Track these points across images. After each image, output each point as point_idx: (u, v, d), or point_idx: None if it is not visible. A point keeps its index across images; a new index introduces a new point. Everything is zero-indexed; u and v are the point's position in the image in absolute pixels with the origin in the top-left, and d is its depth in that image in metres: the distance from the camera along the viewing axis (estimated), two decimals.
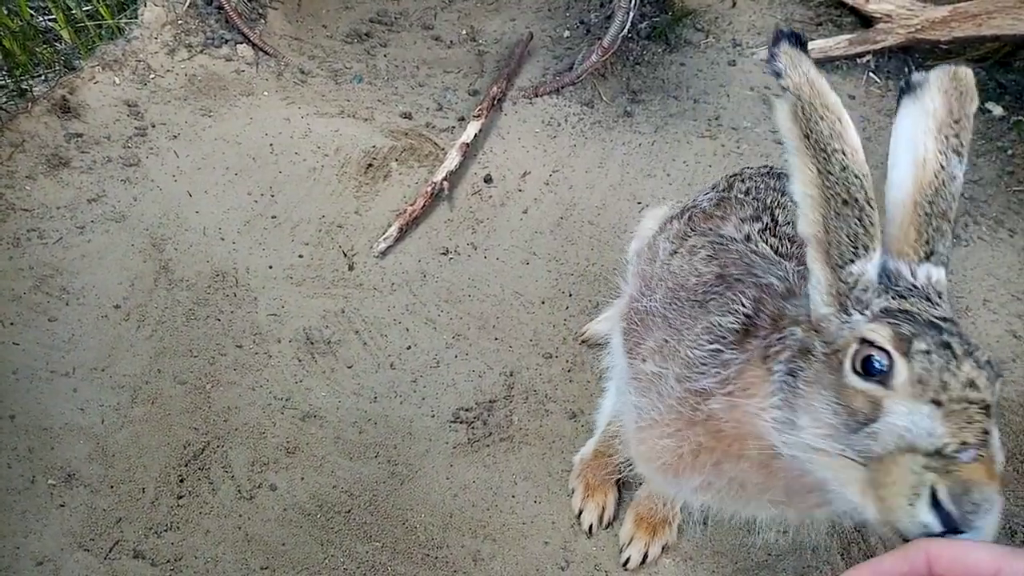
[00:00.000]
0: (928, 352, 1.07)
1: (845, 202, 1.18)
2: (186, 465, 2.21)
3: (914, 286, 1.19)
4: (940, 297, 1.20)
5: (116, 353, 2.43)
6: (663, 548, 2.10)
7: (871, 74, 3.54)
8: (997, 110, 3.41)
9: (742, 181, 1.93)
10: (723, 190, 1.93)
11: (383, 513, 2.16)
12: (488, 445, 2.30)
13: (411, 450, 2.29)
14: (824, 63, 3.55)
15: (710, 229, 1.78)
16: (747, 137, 3.23)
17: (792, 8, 3.85)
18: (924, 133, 1.24)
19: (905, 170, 1.24)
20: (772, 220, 1.72)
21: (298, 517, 2.14)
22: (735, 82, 3.46)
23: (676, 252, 1.81)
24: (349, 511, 2.16)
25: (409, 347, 2.51)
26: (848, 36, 3.59)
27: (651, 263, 1.89)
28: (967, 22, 3.43)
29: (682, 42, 3.59)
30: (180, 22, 3.39)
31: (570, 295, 2.66)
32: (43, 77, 3.19)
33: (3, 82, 3.12)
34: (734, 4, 3.82)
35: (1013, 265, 2.83)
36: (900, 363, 1.08)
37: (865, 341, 1.12)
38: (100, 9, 3.35)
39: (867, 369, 1.11)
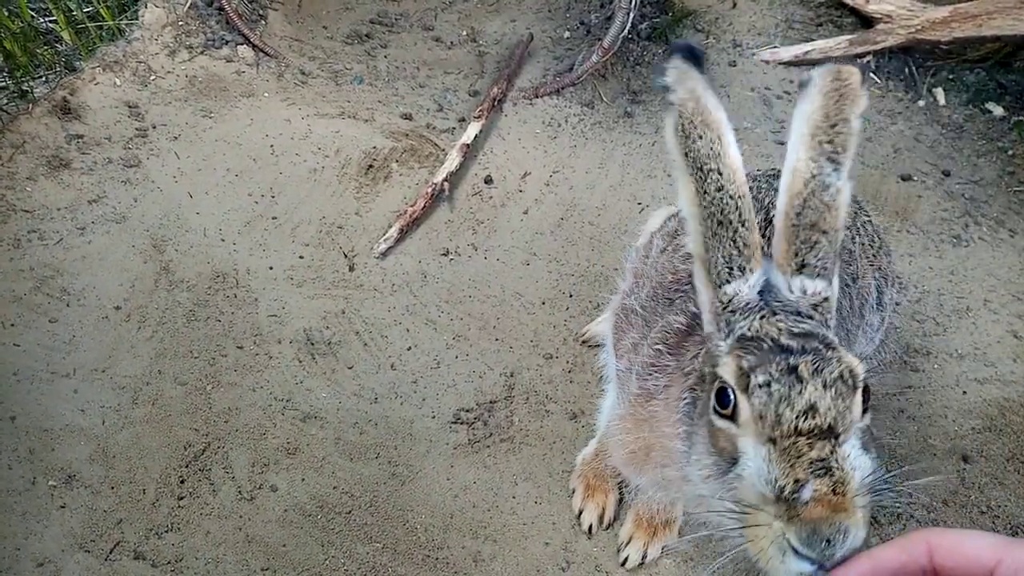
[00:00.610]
0: (767, 384, 1.05)
1: (720, 223, 1.17)
2: (187, 466, 2.21)
3: (788, 300, 1.17)
4: (816, 309, 1.17)
5: (117, 354, 2.43)
6: (662, 549, 2.10)
7: (871, 75, 3.54)
8: (998, 110, 3.41)
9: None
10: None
11: (384, 514, 2.16)
12: (489, 446, 2.30)
13: (412, 451, 2.29)
14: (824, 64, 3.54)
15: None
16: (747, 138, 3.23)
17: (792, 8, 3.84)
18: (798, 139, 1.21)
19: (783, 178, 1.21)
20: (766, 220, 1.72)
21: (299, 518, 2.14)
22: (735, 83, 3.46)
23: (664, 250, 1.81)
24: (350, 512, 2.16)
25: (410, 348, 2.51)
26: (848, 36, 3.59)
27: (644, 260, 1.90)
28: (967, 22, 3.42)
29: None
30: (181, 23, 3.39)
31: (571, 296, 2.66)
32: (44, 78, 3.19)
33: (4, 83, 3.13)
34: (734, 5, 3.82)
35: (1014, 265, 2.83)
36: (741, 400, 1.08)
37: (717, 375, 1.12)
38: (101, 10, 3.35)
39: (723, 403, 1.11)
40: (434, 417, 2.36)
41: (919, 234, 2.92)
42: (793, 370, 1.06)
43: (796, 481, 0.99)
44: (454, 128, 3.17)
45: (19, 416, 2.27)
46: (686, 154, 1.18)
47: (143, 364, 2.41)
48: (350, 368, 2.46)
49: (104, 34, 3.36)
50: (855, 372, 1.08)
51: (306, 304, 2.60)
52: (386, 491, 2.20)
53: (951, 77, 3.53)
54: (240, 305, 2.57)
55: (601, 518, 2.15)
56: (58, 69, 3.22)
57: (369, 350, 2.50)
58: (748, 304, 1.17)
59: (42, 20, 3.38)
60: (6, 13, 3.23)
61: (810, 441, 1.01)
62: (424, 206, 2.83)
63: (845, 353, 1.10)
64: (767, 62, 3.56)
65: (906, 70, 3.54)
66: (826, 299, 1.19)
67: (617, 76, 3.43)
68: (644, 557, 2.08)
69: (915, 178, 3.12)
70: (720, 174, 1.18)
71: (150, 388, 2.36)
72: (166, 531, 2.10)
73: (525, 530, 2.15)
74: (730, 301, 1.17)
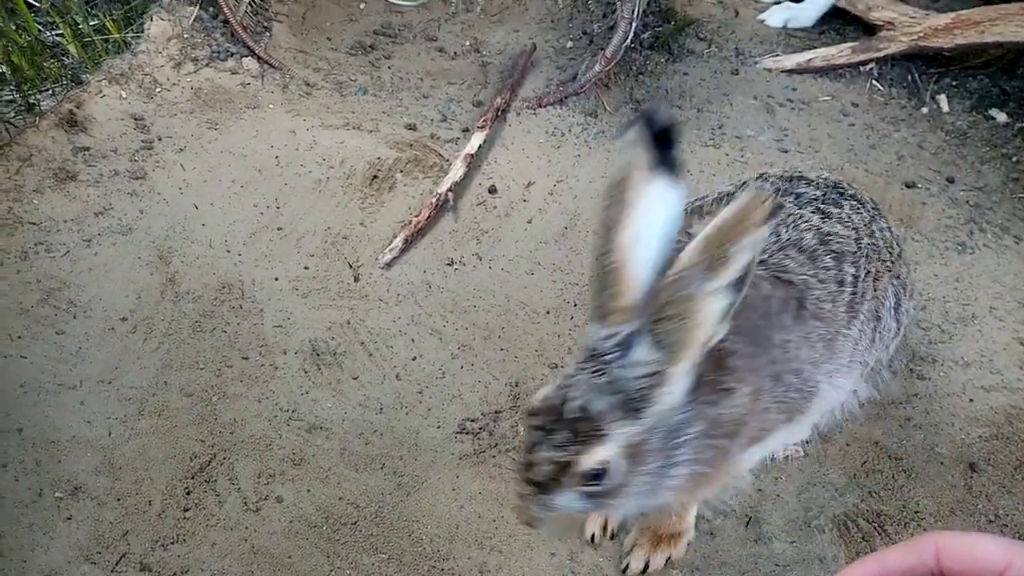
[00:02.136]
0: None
1: (599, 276, 1.43)
2: (192, 477, 2.21)
3: (598, 353, 1.37)
4: (606, 356, 1.34)
5: (123, 366, 2.43)
6: (667, 560, 2.09)
7: (874, 82, 3.54)
8: (1001, 117, 3.41)
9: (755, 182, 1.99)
10: (728, 194, 1.95)
11: (389, 525, 2.16)
12: (494, 456, 2.30)
13: (417, 461, 2.29)
14: (827, 71, 3.56)
15: (688, 230, 1.83)
16: (751, 146, 3.24)
17: None
18: (692, 238, 1.30)
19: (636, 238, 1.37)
20: None
21: (304, 529, 2.14)
22: (738, 91, 3.47)
23: None
24: (355, 523, 2.16)
25: (415, 358, 2.52)
26: (851, 44, 3.60)
27: None
28: (970, 29, 3.43)
29: (685, 52, 3.60)
30: (186, 36, 3.42)
31: (575, 305, 2.66)
32: (50, 91, 3.21)
33: (11, 96, 3.15)
34: (736, 14, 3.83)
35: (1019, 272, 2.83)
36: None
37: None
38: (107, 24, 3.38)
39: None
40: (439, 427, 2.36)
41: (923, 241, 2.92)
42: (540, 428, 1.32)
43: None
44: (458, 138, 3.18)
45: (26, 428, 2.28)
46: (604, 208, 1.38)
47: (149, 375, 2.42)
48: (355, 378, 2.46)
49: (110, 47, 3.38)
50: (592, 412, 1.29)
51: (311, 315, 2.60)
52: (392, 502, 2.20)
53: (954, 84, 3.53)
54: (246, 316, 2.58)
55: (604, 527, 2.15)
56: (64, 82, 3.24)
57: (374, 360, 2.51)
58: (587, 348, 1.37)
59: (49, 34, 3.40)
60: (13, 27, 3.26)
61: (525, 496, 1.35)
62: (428, 216, 2.83)
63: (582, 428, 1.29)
64: (770, 70, 3.57)
65: (909, 77, 3.55)
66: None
67: (620, 85, 3.44)
68: (646, 567, 2.07)
69: (919, 185, 3.12)
70: (610, 242, 1.37)
71: (156, 399, 2.37)
72: (172, 543, 2.10)
73: (531, 540, 2.15)
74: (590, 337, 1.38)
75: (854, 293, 1.76)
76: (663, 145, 1.32)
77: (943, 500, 2.25)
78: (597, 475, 1.28)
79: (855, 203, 1.94)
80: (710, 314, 1.27)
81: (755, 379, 1.54)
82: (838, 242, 1.79)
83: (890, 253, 1.92)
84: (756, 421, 1.60)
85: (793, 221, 1.81)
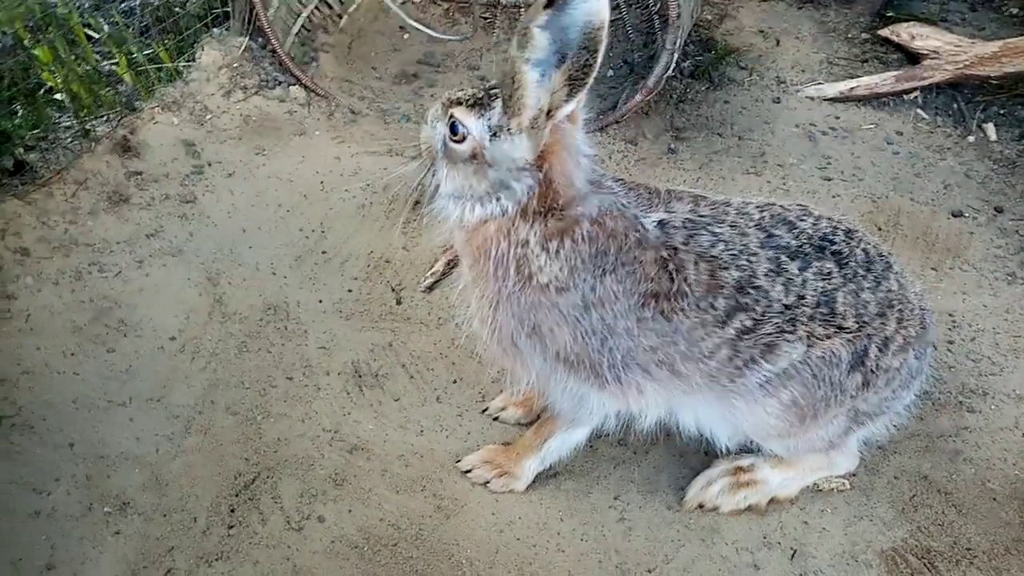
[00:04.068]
0: None
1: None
2: (237, 495, 2.24)
3: None
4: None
5: (171, 384, 2.48)
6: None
7: (919, 110, 3.51)
8: None
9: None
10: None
11: (429, 547, 2.16)
12: (534, 481, 2.29)
13: (457, 484, 2.29)
14: (870, 100, 3.54)
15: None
16: (793, 174, 3.22)
17: (836, 45, 3.85)
18: None
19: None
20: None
21: (345, 549, 2.15)
22: (780, 119, 3.46)
23: None
24: (395, 544, 2.16)
25: (455, 381, 2.53)
26: (894, 73, 3.58)
27: None
28: (1018, 57, 3.39)
29: (726, 80, 3.62)
30: (236, 65, 3.52)
31: None
32: (106, 118, 3.32)
33: (69, 123, 3.27)
34: (777, 43, 3.84)
35: None
36: None
37: None
38: (160, 53, 3.50)
39: None
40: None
41: (972, 271, 2.87)
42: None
43: None
44: None
45: (77, 443, 2.33)
46: None
47: (196, 394, 2.46)
48: (396, 400, 2.48)
49: (163, 76, 3.50)
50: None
51: (354, 336, 2.64)
52: (431, 524, 2.20)
53: (1002, 112, 3.49)
54: (290, 337, 2.62)
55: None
56: (119, 109, 3.35)
57: (415, 383, 2.52)
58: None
59: (105, 63, 3.53)
60: (73, 57, 3.39)
61: None
62: None
63: None
64: (812, 98, 3.56)
65: (955, 105, 3.51)
66: None
67: (660, 113, 3.46)
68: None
69: (966, 214, 3.08)
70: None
71: (203, 417, 2.41)
72: (216, 559, 2.12)
73: (570, 566, 2.13)
74: None
75: (738, 340, 1.84)
76: None
77: (997, 538, 2.18)
78: (455, 128, 1.74)
79: (831, 265, 1.87)
80: (528, 79, 1.59)
81: (579, 267, 1.79)
82: (751, 295, 1.81)
83: (857, 317, 1.87)
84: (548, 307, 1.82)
85: (745, 255, 1.83)
